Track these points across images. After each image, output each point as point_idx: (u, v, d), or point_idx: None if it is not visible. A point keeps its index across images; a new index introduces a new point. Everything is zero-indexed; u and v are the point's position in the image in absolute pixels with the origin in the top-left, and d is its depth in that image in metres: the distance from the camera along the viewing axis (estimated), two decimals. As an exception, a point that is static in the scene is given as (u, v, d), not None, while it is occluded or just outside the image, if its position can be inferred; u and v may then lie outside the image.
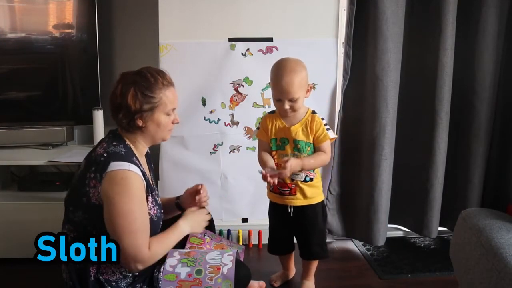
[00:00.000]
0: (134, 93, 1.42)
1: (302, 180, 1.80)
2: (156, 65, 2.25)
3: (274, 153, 1.82)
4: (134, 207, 1.36)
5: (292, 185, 1.81)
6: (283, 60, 1.74)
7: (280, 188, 1.83)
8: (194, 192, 1.71)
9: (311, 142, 1.77)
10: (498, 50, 2.25)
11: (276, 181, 1.70)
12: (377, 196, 2.26)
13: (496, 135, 2.36)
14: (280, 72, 1.69)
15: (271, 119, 1.82)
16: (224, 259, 1.49)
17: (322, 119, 1.79)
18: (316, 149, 1.78)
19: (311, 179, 1.82)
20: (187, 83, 2.27)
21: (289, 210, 1.84)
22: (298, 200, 1.83)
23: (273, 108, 2.33)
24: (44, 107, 2.36)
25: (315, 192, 1.85)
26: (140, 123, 1.45)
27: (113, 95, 1.46)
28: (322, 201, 1.90)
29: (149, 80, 1.45)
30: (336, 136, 1.86)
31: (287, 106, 1.70)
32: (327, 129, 1.77)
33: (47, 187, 2.26)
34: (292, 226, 1.90)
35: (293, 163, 1.67)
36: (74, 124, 2.42)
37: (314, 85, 1.80)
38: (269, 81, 1.82)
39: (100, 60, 2.31)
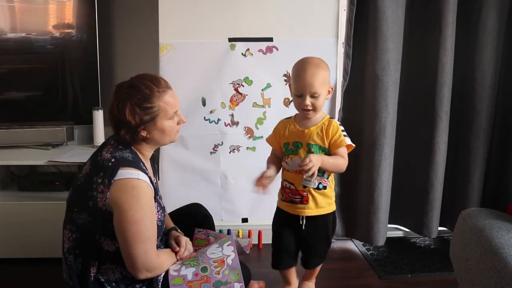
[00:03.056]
0: (131, 108, 1.40)
1: (315, 187, 1.67)
2: (156, 65, 2.26)
3: (286, 158, 1.71)
4: (145, 216, 1.38)
5: (304, 193, 1.68)
6: (308, 57, 1.65)
7: (291, 196, 1.71)
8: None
9: (326, 147, 1.64)
10: (498, 50, 2.25)
11: (266, 183, 1.63)
12: (377, 196, 2.26)
13: (496, 135, 2.36)
14: (304, 66, 1.60)
15: (286, 124, 1.73)
16: (225, 251, 1.51)
17: (340, 125, 1.67)
18: (332, 154, 1.66)
19: (324, 187, 1.69)
20: (187, 83, 2.27)
21: (301, 222, 1.71)
22: (310, 210, 1.70)
23: (273, 108, 2.35)
24: (44, 107, 2.36)
25: (327, 202, 1.72)
26: (144, 134, 1.44)
27: (111, 111, 1.44)
28: (334, 212, 1.77)
29: (143, 91, 1.41)
30: (353, 145, 1.68)
31: (308, 101, 1.59)
32: (344, 136, 1.64)
33: (47, 187, 2.26)
34: (300, 238, 1.77)
35: (313, 157, 1.54)
36: (74, 124, 2.41)
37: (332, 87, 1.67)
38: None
39: (100, 60, 2.31)
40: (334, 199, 1.76)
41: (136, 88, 1.42)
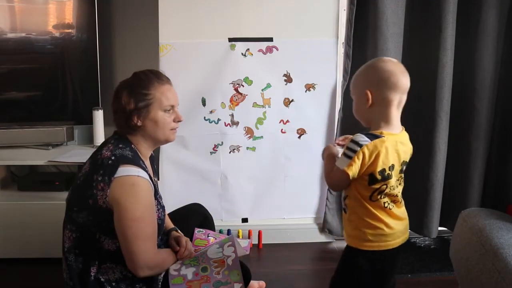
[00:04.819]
0: (127, 92, 1.44)
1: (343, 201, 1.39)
2: (156, 65, 2.25)
3: None
4: (145, 213, 1.38)
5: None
6: None
7: None
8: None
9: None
10: (498, 50, 2.25)
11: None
12: (377, 196, 2.26)
13: (496, 135, 2.36)
14: None
15: None
16: (225, 252, 1.50)
17: (354, 141, 1.27)
18: None
19: (344, 210, 1.38)
20: (187, 83, 2.27)
21: None
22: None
23: (273, 108, 2.35)
24: (44, 107, 2.36)
25: (352, 232, 1.35)
26: (137, 121, 1.45)
27: (112, 101, 1.48)
28: (358, 252, 1.34)
29: (141, 78, 1.47)
30: (344, 168, 1.27)
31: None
32: (345, 155, 1.28)
33: (47, 187, 2.26)
34: None
35: (329, 146, 1.42)
36: (74, 124, 2.42)
37: (367, 92, 1.31)
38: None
39: (100, 60, 2.31)
40: (361, 235, 1.32)
41: (136, 76, 1.48)
